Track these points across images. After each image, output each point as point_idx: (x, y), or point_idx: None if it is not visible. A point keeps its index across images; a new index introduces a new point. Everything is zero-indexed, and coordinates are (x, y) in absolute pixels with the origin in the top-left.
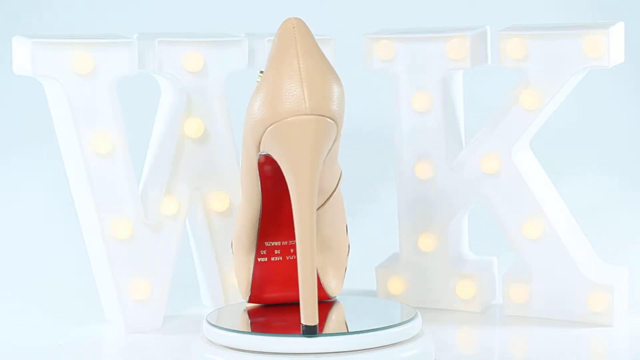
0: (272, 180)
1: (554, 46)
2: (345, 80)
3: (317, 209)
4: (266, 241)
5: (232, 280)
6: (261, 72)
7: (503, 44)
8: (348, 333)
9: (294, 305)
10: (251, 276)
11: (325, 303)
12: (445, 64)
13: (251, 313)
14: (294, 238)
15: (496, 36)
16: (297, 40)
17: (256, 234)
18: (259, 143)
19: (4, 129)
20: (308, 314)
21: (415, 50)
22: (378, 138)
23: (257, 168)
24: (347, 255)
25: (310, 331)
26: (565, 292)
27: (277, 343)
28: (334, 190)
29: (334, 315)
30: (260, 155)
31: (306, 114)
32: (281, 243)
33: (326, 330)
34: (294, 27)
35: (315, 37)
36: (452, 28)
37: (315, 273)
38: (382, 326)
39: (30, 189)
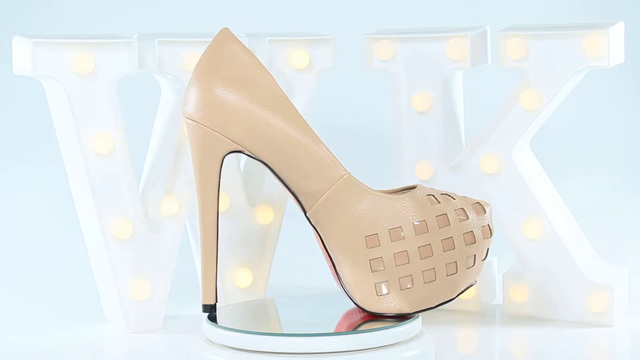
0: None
1: (554, 46)
2: (345, 80)
3: (309, 210)
4: None
5: (232, 280)
6: None
7: (503, 44)
8: (348, 333)
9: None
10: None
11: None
12: (445, 64)
13: (254, 312)
14: None
15: (496, 36)
16: (204, 52)
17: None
18: None
19: (3, 129)
20: (204, 294)
21: (415, 50)
22: (378, 138)
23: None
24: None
25: (206, 310)
26: (565, 292)
27: (277, 343)
28: (325, 193)
29: (334, 316)
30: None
31: (184, 117)
32: None
33: (327, 330)
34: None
35: (315, 37)
36: (452, 28)
37: (215, 256)
38: (382, 326)
39: (30, 189)
